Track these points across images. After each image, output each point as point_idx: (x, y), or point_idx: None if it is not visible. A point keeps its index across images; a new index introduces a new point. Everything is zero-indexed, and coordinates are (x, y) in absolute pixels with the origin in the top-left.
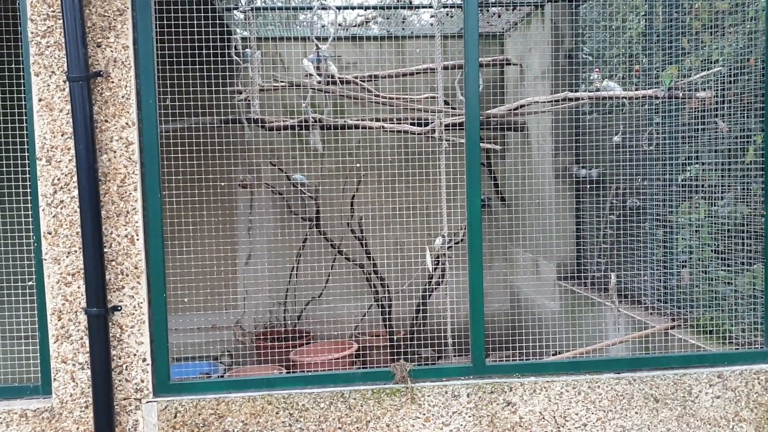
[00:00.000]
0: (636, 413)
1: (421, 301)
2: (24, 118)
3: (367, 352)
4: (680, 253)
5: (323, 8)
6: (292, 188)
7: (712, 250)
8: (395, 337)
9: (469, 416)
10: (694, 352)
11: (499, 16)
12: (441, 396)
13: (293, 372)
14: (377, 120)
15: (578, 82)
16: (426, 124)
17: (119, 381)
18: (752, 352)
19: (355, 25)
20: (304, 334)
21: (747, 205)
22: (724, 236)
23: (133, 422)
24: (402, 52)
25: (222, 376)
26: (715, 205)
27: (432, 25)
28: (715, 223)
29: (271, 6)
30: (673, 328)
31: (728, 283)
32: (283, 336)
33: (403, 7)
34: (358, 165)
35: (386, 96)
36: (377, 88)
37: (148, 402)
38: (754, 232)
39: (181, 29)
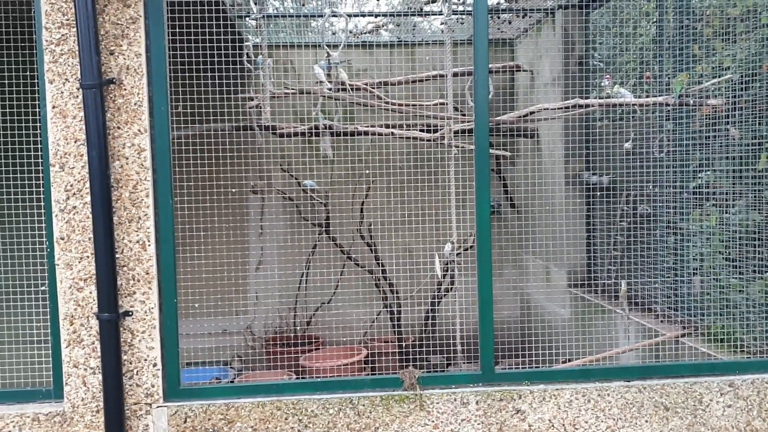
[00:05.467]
0: (646, 422)
1: (430, 307)
2: (38, 125)
3: (377, 358)
4: (691, 260)
5: (334, 15)
6: (303, 194)
7: (723, 258)
8: (404, 344)
9: (478, 424)
10: (705, 361)
11: (510, 23)
12: (450, 403)
13: (303, 377)
14: (387, 126)
15: (589, 88)
16: (436, 131)
17: (130, 386)
18: (764, 360)
19: (365, 32)
20: (314, 340)
21: (759, 213)
22: (736, 244)
23: (143, 427)
24: (412, 58)
25: (232, 381)
26: (726, 213)
27: (442, 31)
28: (726, 231)
29: (282, 14)
30: (684, 336)
31: (740, 290)
32: (292, 341)
33: (413, 14)
34: (367, 171)
35: (396, 102)
36: (387, 94)
37: (158, 407)
38: (767, 239)
39: (193, 37)
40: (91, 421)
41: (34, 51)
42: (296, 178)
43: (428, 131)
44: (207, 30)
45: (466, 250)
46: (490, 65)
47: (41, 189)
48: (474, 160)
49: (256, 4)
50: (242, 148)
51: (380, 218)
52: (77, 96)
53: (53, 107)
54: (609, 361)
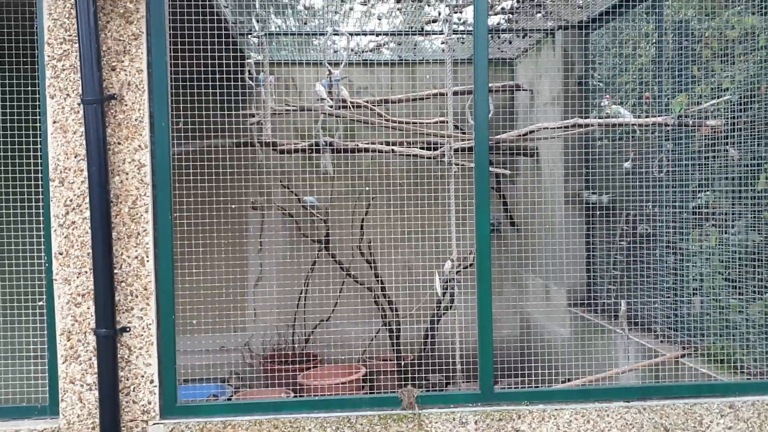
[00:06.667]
0: None
1: (429, 325)
2: (38, 139)
3: (375, 376)
4: (691, 280)
5: (336, 34)
6: (303, 210)
7: (723, 278)
8: (403, 362)
9: None
10: (705, 382)
11: (510, 43)
12: (449, 423)
13: (301, 395)
14: (388, 144)
15: (589, 108)
16: (436, 148)
17: (126, 402)
18: (765, 382)
19: (367, 51)
20: (312, 358)
21: (758, 233)
22: (736, 264)
23: None
24: (413, 77)
25: (230, 399)
26: (726, 233)
27: (443, 50)
28: (726, 251)
29: (284, 31)
30: (683, 356)
31: (740, 311)
32: (291, 359)
33: (414, 33)
34: (368, 188)
35: (397, 120)
36: (388, 112)
37: (154, 424)
38: (766, 260)
39: (195, 53)
40: None
41: (36, 66)
42: (296, 195)
43: (428, 149)
44: (209, 47)
45: (466, 267)
46: (490, 84)
47: (41, 204)
48: (474, 177)
49: (258, 21)
50: (243, 164)
51: (380, 235)
52: (78, 111)
53: (54, 122)
54: (608, 382)
